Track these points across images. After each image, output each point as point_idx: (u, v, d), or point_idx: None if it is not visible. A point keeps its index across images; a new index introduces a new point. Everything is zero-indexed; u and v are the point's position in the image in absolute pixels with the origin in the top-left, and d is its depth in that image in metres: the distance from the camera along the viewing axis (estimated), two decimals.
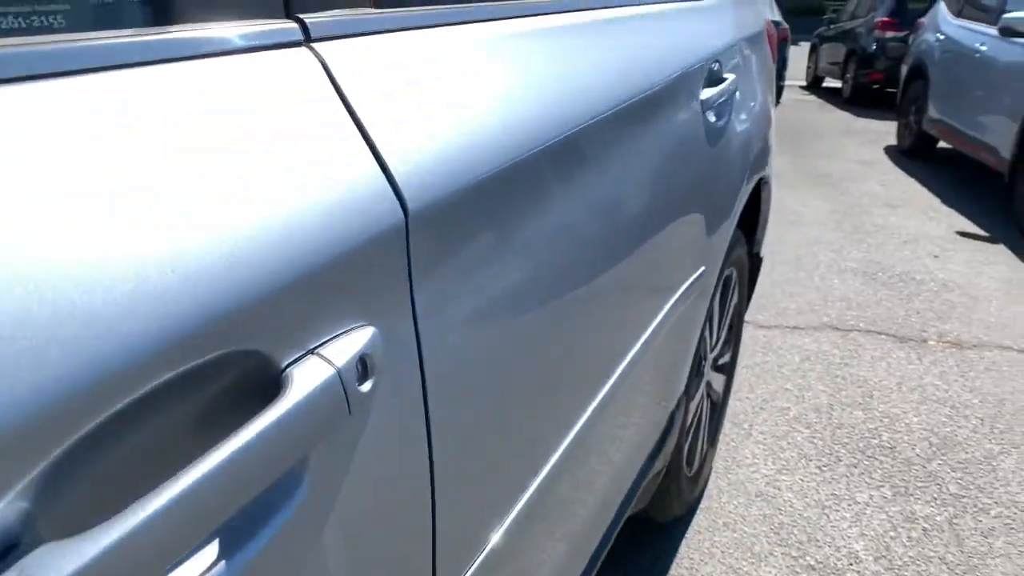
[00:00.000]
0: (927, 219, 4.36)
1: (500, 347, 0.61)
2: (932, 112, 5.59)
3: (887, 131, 7.16)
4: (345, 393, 0.39)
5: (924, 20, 6.52)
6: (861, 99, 9.02)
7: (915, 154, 6.03)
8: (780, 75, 9.08)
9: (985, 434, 2.21)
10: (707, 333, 1.62)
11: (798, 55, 12.80)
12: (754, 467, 2.05)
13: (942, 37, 5.74)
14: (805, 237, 3.98)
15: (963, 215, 4.43)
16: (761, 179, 1.81)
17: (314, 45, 0.47)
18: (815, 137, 6.98)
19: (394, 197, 0.46)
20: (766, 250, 3.74)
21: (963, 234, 4.08)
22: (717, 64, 1.35)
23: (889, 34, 8.48)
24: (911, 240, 3.97)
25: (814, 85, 11.01)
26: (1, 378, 0.26)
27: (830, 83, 10.59)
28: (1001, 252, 3.77)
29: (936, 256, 3.71)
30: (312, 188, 0.41)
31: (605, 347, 0.92)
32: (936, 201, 4.75)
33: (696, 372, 1.57)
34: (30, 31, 0.34)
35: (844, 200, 4.75)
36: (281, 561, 0.38)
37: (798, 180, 5.27)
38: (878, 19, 8.66)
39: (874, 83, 8.79)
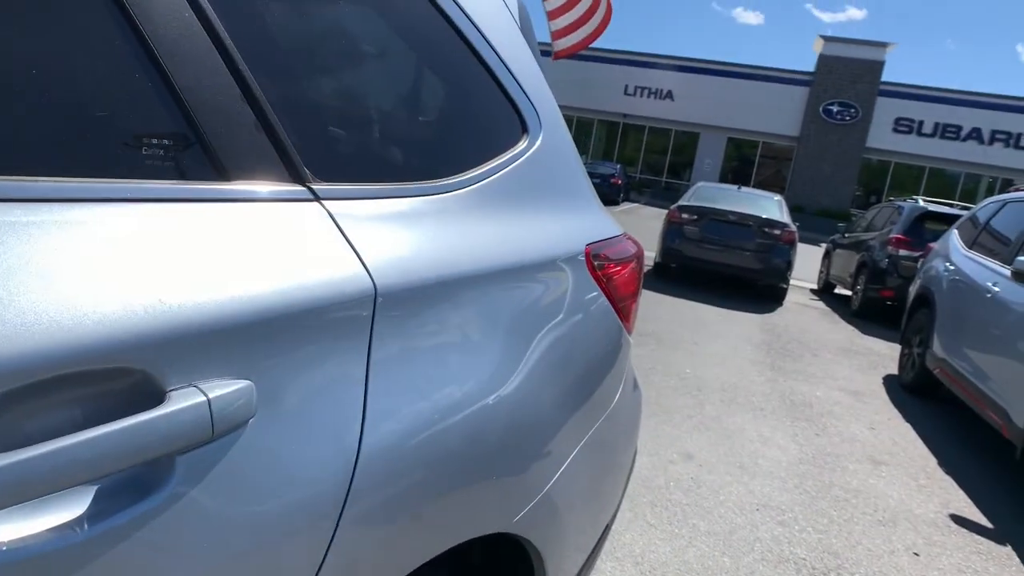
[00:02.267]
0: (916, 488, 3.45)
1: None
2: (936, 348, 4.82)
3: (891, 355, 6.38)
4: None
5: (935, 245, 5.94)
6: (871, 314, 8.33)
7: (917, 391, 5.19)
8: (784, 277, 8.53)
9: None
10: None
11: (814, 255, 12.39)
12: None
13: (952, 267, 5.09)
14: (750, 496, 3.09)
15: (963, 488, 3.51)
16: None
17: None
18: (808, 351, 6.22)
19: None
20: (695, 507, 2.86)
21: (959, 520, 3.15)
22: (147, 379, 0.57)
23: (903, 252, 7.94)
24: (889, 520, 3.05)
25: (825, 291, 10.43)
26: None
27: (842, 291, 10.00)
28: (1009, 560, 2.82)
29: (917, 554, 2.78)
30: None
31: None
32: (932, 461, 3.85)
33: None
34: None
35: (818, 444, 3.88)
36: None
37: (769, 405, 4.45)
38: (893, 235, 8.17)
39: (886, 300, 8.15)
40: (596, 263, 1.25)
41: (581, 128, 30.74)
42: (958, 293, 4.82)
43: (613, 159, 28.52)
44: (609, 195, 21.27)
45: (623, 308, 1.36)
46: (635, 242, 1.50)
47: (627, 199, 24.01)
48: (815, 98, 26.95)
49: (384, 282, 0.78)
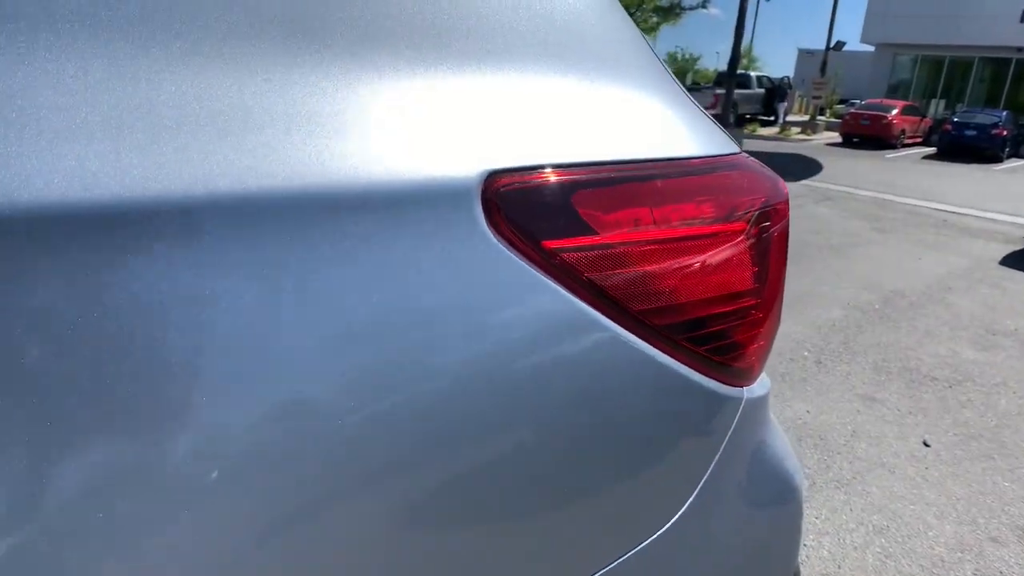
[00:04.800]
0: None
1: None
2: None
3: None
4: None
5: None
6: None
7: None
8: None
9: None
10: None
11: None
12: None
13: None
14: None
15: None
16: None
17: None
18: None
19: None
20: None
21: None
22: None
23: None
24: None
25: None
26: None
27: None
28: None
29: None
30: None
31: None
32: None
33: None
34: None
35: None
36: None
37: None
38: None
39: None
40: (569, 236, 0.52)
41: (954, 70, 25.15)
42: None
43: (999, 105, 22.73)
44: (988, 149, 16.97)
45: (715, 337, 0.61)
46: (760, 175, 0.68)
47: (1015, 154, 18.93)
48: None
49: None
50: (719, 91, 17.09)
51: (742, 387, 0.68)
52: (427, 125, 0.49)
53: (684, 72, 49.16)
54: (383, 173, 0.45)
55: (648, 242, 0.57)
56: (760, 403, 0.72)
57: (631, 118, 0.60)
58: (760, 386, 0.72)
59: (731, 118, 13.25)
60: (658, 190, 0.58)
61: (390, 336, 0.46)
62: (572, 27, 0.59)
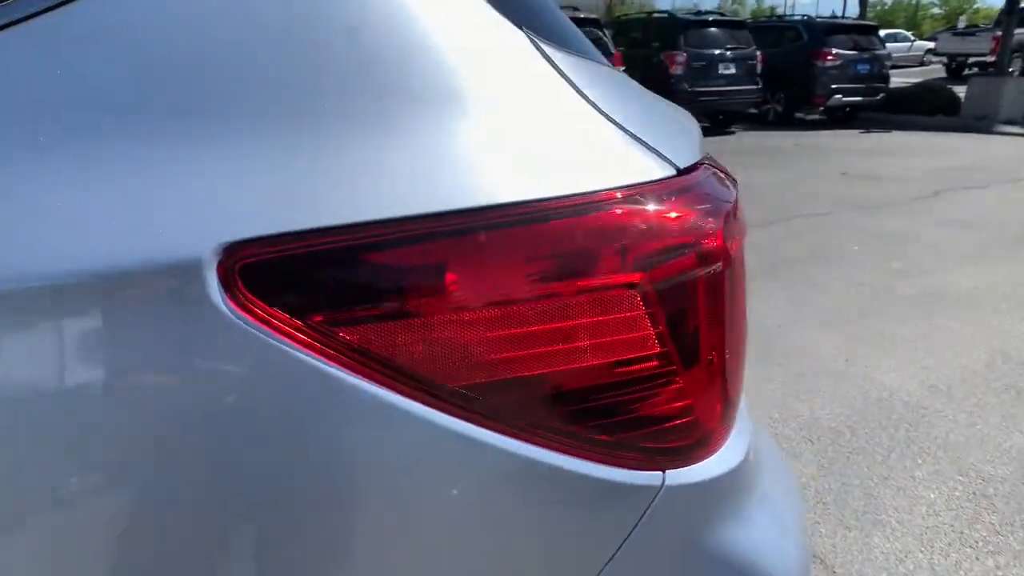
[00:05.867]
0: None
1: None
2: None
3: None
4: None
5: None
6: None
7: None
8: None
9: None
10: None
11: None
12: None
13: None
14: None
15: None
16: None
17: None
18: None
19: None
20: None
21: None
22: None
23: None
24: None
25: None
26: None
27: None
28: None
29: None
30: None
31: None
32: None
33: None
34: None
35: None
36: None
37: None
38: None
39: None
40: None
41: None
42: None
43: None
44: None
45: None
46: (689, 208, 0.51)
47: None
48: None
49: None
50: (999, 33, 14.19)
51: (661, 471, 0.53)
52: (153, 199, 0.43)
53: (957, 14, 41.73)
54: (96, 255, 0.41)
55: (467, 308, 0.45)
56: (706, 489, 0.55)
57: (456, 157, 0.47)
58: (707, 467, 0.56)
59: (1011, 66, 10.91)
60: (481, 244, 0.46)
61: (115, 422, 0.42)
62: (357, 53, 0.48)
